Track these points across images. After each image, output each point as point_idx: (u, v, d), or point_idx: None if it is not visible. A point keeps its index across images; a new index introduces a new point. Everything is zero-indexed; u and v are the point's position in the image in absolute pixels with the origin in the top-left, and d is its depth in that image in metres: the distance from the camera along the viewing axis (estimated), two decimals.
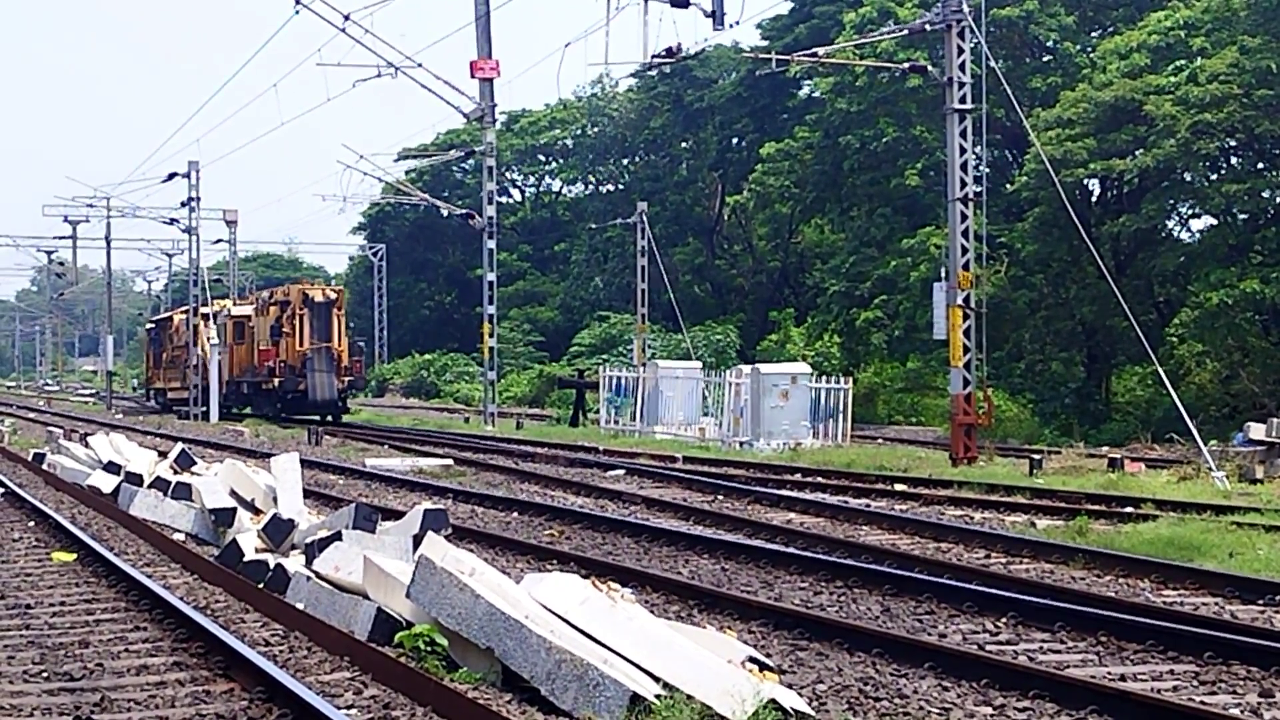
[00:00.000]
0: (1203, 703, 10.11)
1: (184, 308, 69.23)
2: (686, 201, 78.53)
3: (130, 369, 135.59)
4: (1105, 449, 36.68)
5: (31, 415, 64.30)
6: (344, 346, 55.62)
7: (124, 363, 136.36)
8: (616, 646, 9.84)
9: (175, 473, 22.05)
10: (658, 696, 9.11)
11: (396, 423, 53.92)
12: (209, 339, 61.46)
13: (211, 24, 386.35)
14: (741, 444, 37.74)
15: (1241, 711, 9.99)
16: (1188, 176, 46.42)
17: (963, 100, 31.68)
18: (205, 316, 63.27)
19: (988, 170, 51.48)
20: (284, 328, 54.99)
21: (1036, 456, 30.59)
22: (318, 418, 52.93)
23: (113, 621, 13.23)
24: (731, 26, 32.22)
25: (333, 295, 56.26)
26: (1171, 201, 47.93)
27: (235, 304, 64.71)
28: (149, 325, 79.73)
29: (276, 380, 54.55)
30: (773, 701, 9.08)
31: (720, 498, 24.87)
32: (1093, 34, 55.74)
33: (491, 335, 49.61)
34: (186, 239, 66.06)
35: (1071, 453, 33.33)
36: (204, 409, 58.60)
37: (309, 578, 13.56)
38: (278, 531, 16.27)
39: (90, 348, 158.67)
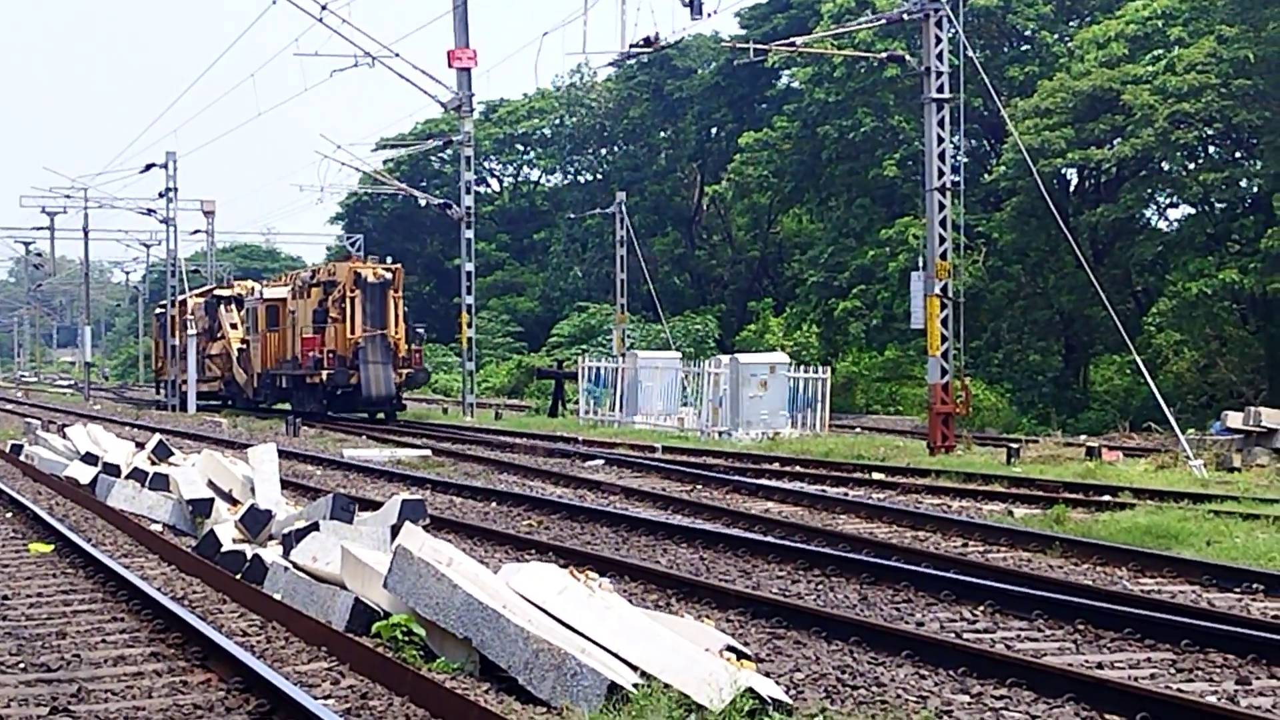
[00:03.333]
0: (1179, 690, 10.13)
1: (200, 289, 65.27)
2: (665, 191, 78.53)
3: (108, 360, 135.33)
4: (1083, 438, 36.73)
5: (9, 406, 64.09)
6: (401, 334, 48.72)
7: (102, 354, 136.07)
8: (594, 635, 9.85)
9: (153, 464, 21.99)
10: (635, 685, 9.12)
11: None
12: (231, 325, 57.81)
13: (188, 14, 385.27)
14: (720, 433, 37.78)
15: (1218, 699, 10.01)
16: (1165, 166, 46.54)
17: (940, 90, 31.70)
18: (227, 300, 59.52)
19: (966, 160, 51.59)
20: (331, 312, 48.13)
21: (1014, 445, 30.64)
22: (366, 415, 48.20)
23: (90, 612, 13.19)
24: (709, 16, 32.16)
25: (388, 275, 48.63)
26: (1149, 191, 48.08)
27: (268, 285, 58.46)
28: (158, 310, 71.16)
29: (325, 373, 47.43)
30: (750, 690, 9.09)
31: (699, 487, 24.88)
32: (1070, 23, 55.81)
33: (470, 325, 49.56)
34: (164, 230, 65.80)
35: (1049, 441, 33.38)
36: (251, 404, 55.40)
37: (286, 568, 13.54)
38: (255, 522, 16.26)
39: (68, 339, 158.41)
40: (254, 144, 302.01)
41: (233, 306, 58.67)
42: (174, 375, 61.84)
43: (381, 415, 47.83)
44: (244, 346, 56.33)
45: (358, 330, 47.12)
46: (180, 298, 64.03)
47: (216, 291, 62.00)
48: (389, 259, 50.43)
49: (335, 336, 47.70)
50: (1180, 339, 47.67)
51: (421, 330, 52.15)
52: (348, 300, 47.37)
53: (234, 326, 57.88)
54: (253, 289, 58.39)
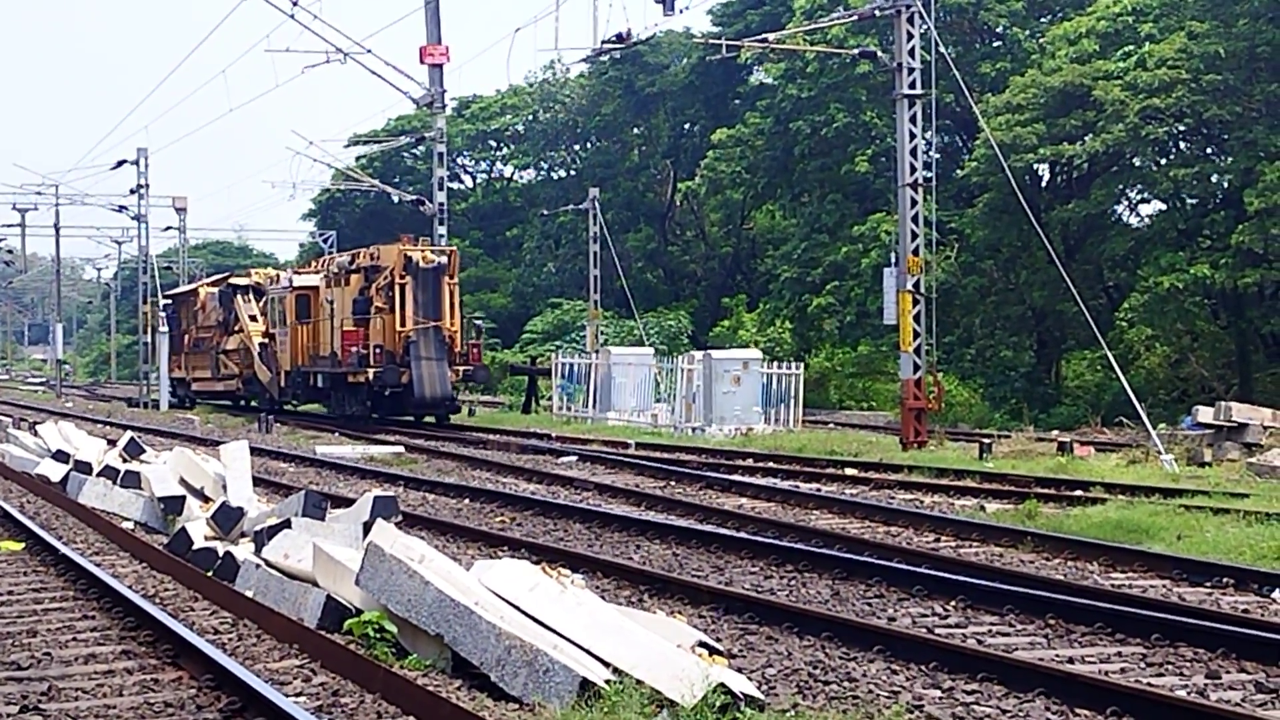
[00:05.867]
0: (1149, 684, 10.17)
1: (212, 278, 61.25)
2: (639, 187, 78.52)
3: (80, 357, 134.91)
4: (1055, 433, 36.88)
5: None
6: (457, 326, 42.72)
7: (73, 351, 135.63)
8: (566, 632, 9.85)
9: (124, 461, 21.94)
10: (607, 681, 9.12)
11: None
12: (250, 317, 51.87)
13: (159, 10, 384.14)
14: (694, 429, 37.79)
15: (1188, 693, 10.06)
16: (1136, 161, 46.69)
17: (912, 86, 31.75)
18: (244, 289, 53.53)
19: (938, 156, 51.68)
20: (375, 301, 42.15)
21: (986, 440, 30.72)
22: (413, 418, 43.22)
23: (61, 610, 13.16)
24: (681, 12, 32.31)
25: (442, 258, 42.39)
26: (1120, 186, 48.24)
27: (297, 273, 51.57)
28: (164, 301, 64.24)
29: (371, 372, 41.33)
30: (721, 685, 9.09)
31: (672, 483, 24.90)
32: (1042, 20, 55.97)
33: None
34: (136, 226, 65.62)
35: (1021, 437, 33.49)
36: (275, 406, 49.23)
37: (258, 565, 13.52)
38: (227, 519, 16.22)
39: (40, 336, 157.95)
40: (226, 140, 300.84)
41: (251, 296, 52.97)
42: (185, 374, 58.32)
43: (432, 419, 42.94)
44: (267, 341, 50.24)
45: (408, 322, 41.50)
46: (187, 289, 60.82)
47: (232, 280, 56.37)
48: (443, 240, 46.34)
49: (383, 329, 41.95)
50: (1152, 334, 47.85)
51: (480, 322, 46.90)
52: (396, 288, 41.71)
53: (253, 319, 51.98)
54: (276, 276, 52.88)
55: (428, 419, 42.84)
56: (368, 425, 41.18)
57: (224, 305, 54.94)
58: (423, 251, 42.35)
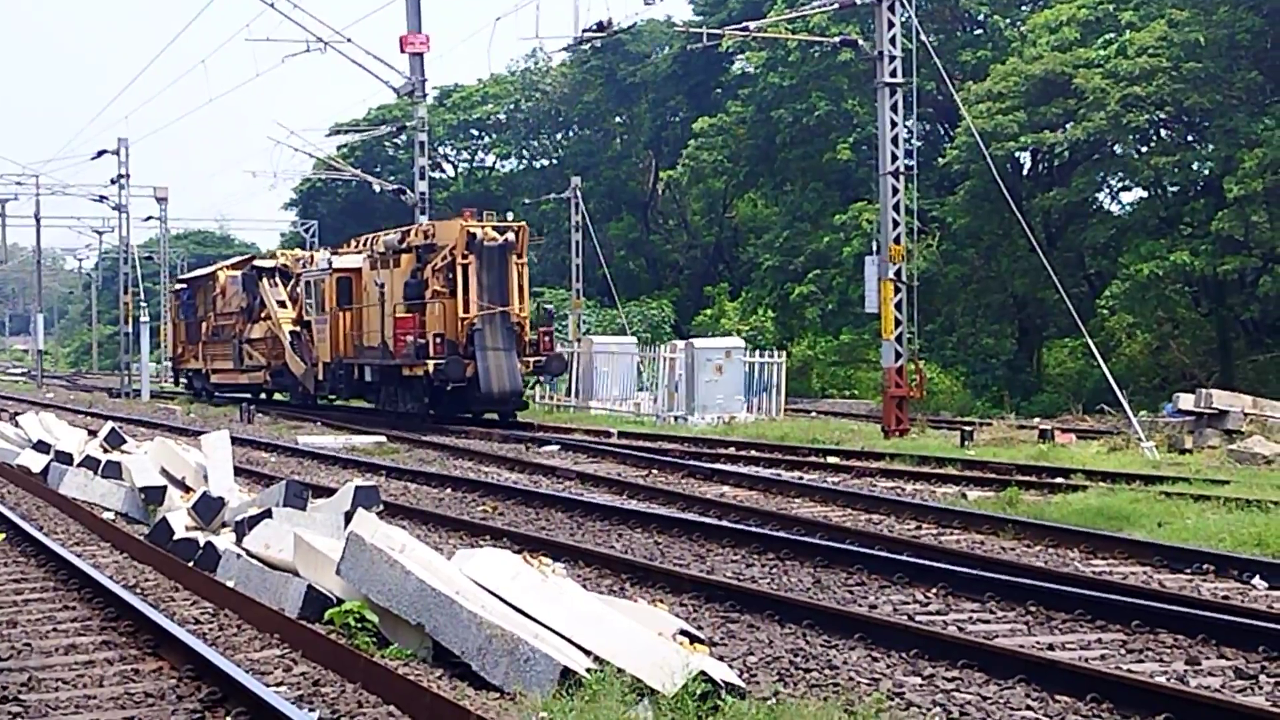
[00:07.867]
0: (1129, 671, 10.20)
1: (231, 261, 57.93)
2: (620, 176, 78.43)
3: (62, 348, 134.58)
4: (1036, 420, 36.90)
5: None
6: (526, 311, 38.30)
7: (55, 341, 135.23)
8: (548, 621, 9.85)
9: (105, 451, 21.86)
10: (589, 670, 9.13)
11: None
12: (278, 303, 47.31)
13: None
14: (676, 418, 37.82)
15: (1167, 679, 10.08)
16: (1118, 149, 46.79)
17: (894, 74, 31.77)
18: (269, 273, 48.87)
19: (919, 144, 51.65)
20: (432, 284, 37.32)
21: (968, 428, 30.76)
22: (470, 415, 38.45)
23: (41, 601, 13.13)
24: (662, 0, 32.26)
25: (510, 236, 37.73)
26: (1102, 174, 48.34)
27: (336, 254, 45.43)
28: (178, 286, 60.40)
29: (431, 364, 36.05)
30: (702, 673, 9.10)
31: (654, 472, 24.91)
32: (1023, 8, 55.98)
33: None
34: (117, 216, 65.40)
35: (1003, 424, 33.53)
36: (309, 400, 46.24)
37: (239, 555, 13.51)
38: (208, 509, 16.18)
39: (21, 327, 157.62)
40: (206, 130, 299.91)
41: (277, 280, 48.42)
42: (203, 365, 55.03)
43: (495, 416, 38.12)
44: (300, 329, 45.40)
45: (472, 307, 36.60)
46: (205, 272, 58.31)
47: (256, 262, 51.62)
48: (509, 215, 41.02)
49: (442, 316, 37.03)
50: (1132, 321, 47.91)
51: (551, 307, 42.82)
52: (457, 268, 36.76)
53: (282, 304, 47.20)
54: (310, 258, 48.05)
55: (489, 416, 38.33)
56: (424, 425, 36.78)
57: (247, 290, 50.46)
58: (485, 227, 37.77)
